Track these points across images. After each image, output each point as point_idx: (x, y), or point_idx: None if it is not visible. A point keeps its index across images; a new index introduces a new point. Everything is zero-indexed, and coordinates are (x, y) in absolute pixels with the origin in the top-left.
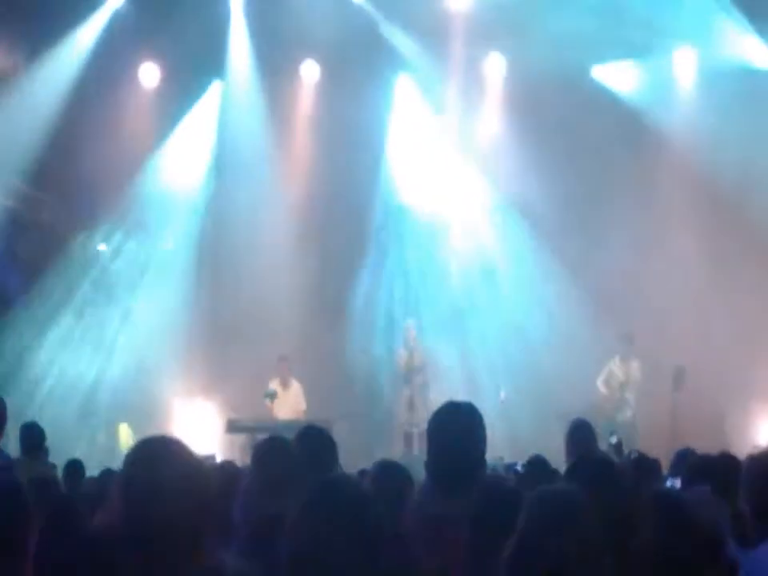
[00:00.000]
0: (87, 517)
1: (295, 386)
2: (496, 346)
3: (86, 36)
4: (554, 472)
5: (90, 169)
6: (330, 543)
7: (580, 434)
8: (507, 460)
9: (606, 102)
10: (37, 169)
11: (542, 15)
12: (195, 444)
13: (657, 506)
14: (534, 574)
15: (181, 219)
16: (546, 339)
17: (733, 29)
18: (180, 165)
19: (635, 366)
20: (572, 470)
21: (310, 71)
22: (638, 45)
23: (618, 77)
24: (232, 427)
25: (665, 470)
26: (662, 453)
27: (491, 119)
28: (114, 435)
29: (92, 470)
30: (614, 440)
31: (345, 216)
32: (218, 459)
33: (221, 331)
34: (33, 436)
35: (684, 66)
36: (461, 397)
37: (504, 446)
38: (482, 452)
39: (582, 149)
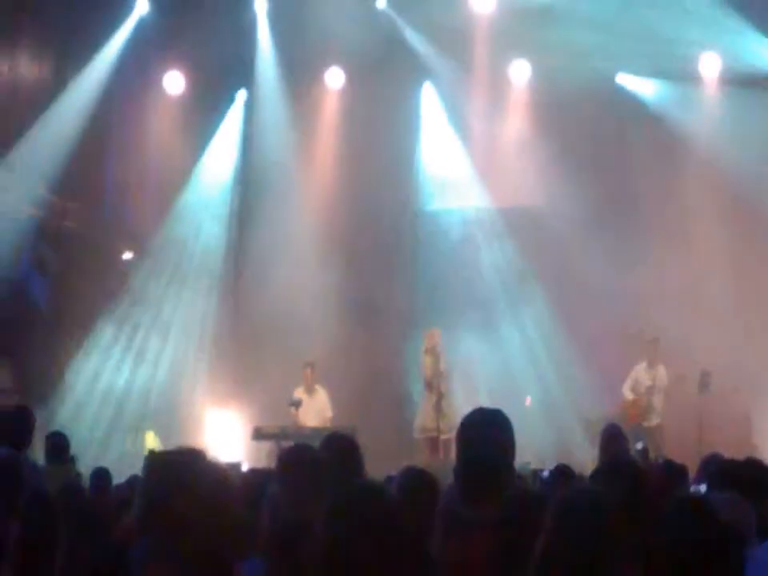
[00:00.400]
0: (113, 524)
1: (321, 393)
2: (521, 352)
3: (112, 45)
4: (580, 479)
5: (116, 177)
6: (356, 550)
7: (612, 438)
8: (533, 466)
9: (630, 108)
10: (63, 177)
11: (566, 22)
12: (221, 451)
13: (682, 509)
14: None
15: (208, 227)
16: (571, 345)
17: (756, 36)
18: (207, 172)
19: (661, 371)
20: (597, 473)
21: (334, 78)
22: (663, 51)
23: (643, 82)
24: (258, 434)
25: (692, 476)
26: (689, 458)
27: (516, 125)
28: (140, 442)
29: (119, 478)
30: (640, 446)
31: (371, 222)
32: (245, 467)
33: (248, 338)
34: (58, 445)
35: (708, 72)
36: (485, 403)
37: (530, 451)
38: (511, 459)
39: (606, 154)
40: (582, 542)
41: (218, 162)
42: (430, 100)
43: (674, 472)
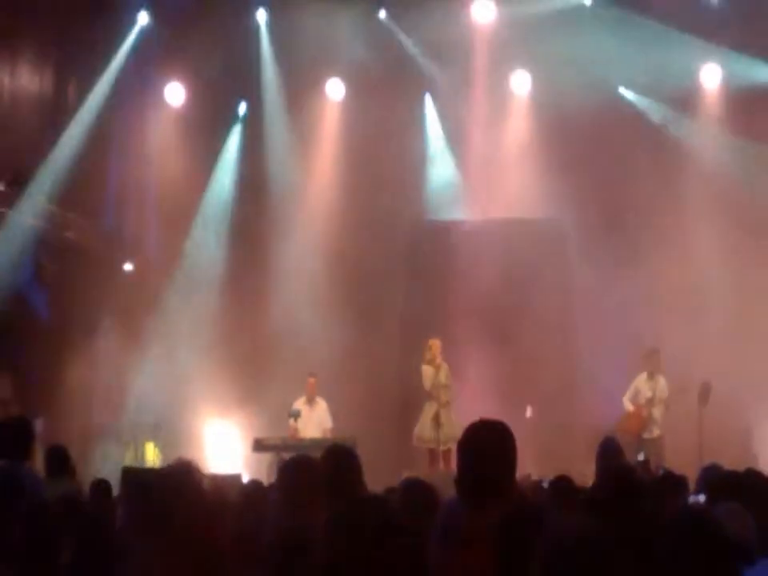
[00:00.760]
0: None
1: (321, 404)
2: (522, 362)
3: (113, 56)
4: (579, 490)
5: (117, 188)
6: (357, 562)
7: (608, 453)
8: (534, 477)
9: (631, 119)
10: (64, 188)
11: (567, 32)
12: (222, 463)
13: (683, 521)
14: None
15: (209, 239)
16: (571, 356)
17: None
18: (207, 184)
19: (662, 382)
20: (597, 486)
21: (335, 90)
22: (663, 63)
23: (643, 93)
24: (258, 446)
25: (692, 487)
26: (690, 469)
27: (517, 136)
28: (141, 453)
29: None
30: (641, 457)
31: (373, 233)
32: (245, 478)
33: (249, 349)
34: (58, 456)
35: (709, 84)
36: (486, 413)
37: (531, 462)
38: (512, 470)
39: (607, 165)
40: None
41: (219, 174)
42: (430, 110)
43: (674, 483)
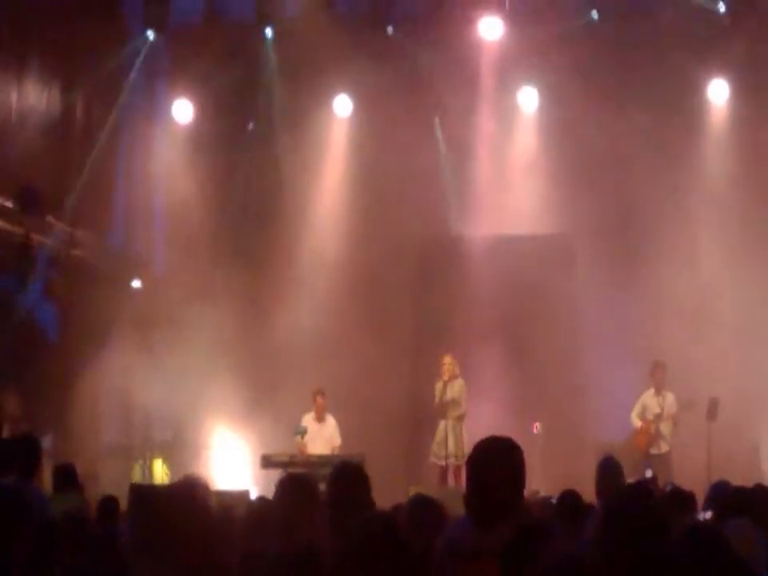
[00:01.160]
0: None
1: (330, 421)
2: (531, 377)
3: (119, 72)
4: (587, 507)
5: (125, 205)
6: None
7: (607, 471)
8: (542, 493)
9: (639, 132)
10: (71, 204)
11: (574, 47)
12: (230, 479)
13: (693, 540)
14: None
15: (219, 255)
16: (579, 370)
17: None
18: (215, 201)
19: (670, 398)
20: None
21: (342, 105)
22: (670, 76)
23: (651, 107)
24: (267, 463)
25: (700, 503)
26: (698, 485)
27: (525, 150)
28: (149, 470)
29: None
30: (649, 474)
31: (381, 249)
32: (253, 494)
33: (259, 366)
34: (66, 473)
35: (716, 97)
36: (494, 429)
37: (539, 479)
38: (521, 487)
39: (615, 178)
40: None
41: (226, 191)
42: (440, 125)
43: (682, 499)
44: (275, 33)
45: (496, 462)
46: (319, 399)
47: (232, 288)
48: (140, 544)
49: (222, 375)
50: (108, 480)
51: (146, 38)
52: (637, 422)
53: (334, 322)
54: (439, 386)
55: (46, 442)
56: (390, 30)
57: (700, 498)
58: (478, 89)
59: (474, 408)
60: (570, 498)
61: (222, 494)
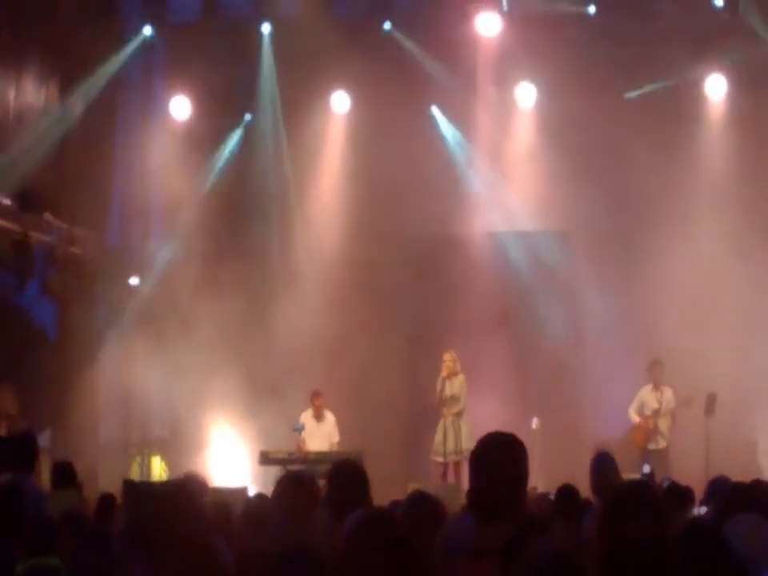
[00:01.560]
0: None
1: (329, 418)
2: (528, 375)
3: (117, 71)
4: (585, 502)
5: (122, 203)
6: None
7: (601, 467)
8: (540, 489)
9: (637, 127)
10: (69, 202)
11: (571, 42)
12: (229, 476)
13: (691, 536)
14: None
15: (214, 254)
16: (578, 367)
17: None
18: (209, 198)
19: (668, 393)
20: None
21: (340, 101)
22: (671, 65)
23: (649, 101)
24: (265, 459)
25: (698, 499)
26: (696, 481)
27: (523, 147)
28: (147, 467)
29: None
30: (646, 469)
31: (380, 247)
32: (251, 491)
33: (258, 363)
34: (64, 471)
35: (714, 90)
36: (493, 425)
37: (537, 475)
38: (525, 484)
39: (614, 173)
40: None
41: (224, 188)
42: (437, 122)
43: (680, 494)
44: (273, 29)
45: (500, 458)
46: (316, 401)
47: (230, 285)
48: (132, 539)
49: (221, 372)
50: (106, 477)
51: (144, 34)
52: (635, 418)
53: (332, 318)
54: (438, 383)
55: (44, 440)
56: (387, 25)
57: (698, 494)
58: (476, 84)
59: (473, 404)
60: (567, 494)
61: (219, 491)
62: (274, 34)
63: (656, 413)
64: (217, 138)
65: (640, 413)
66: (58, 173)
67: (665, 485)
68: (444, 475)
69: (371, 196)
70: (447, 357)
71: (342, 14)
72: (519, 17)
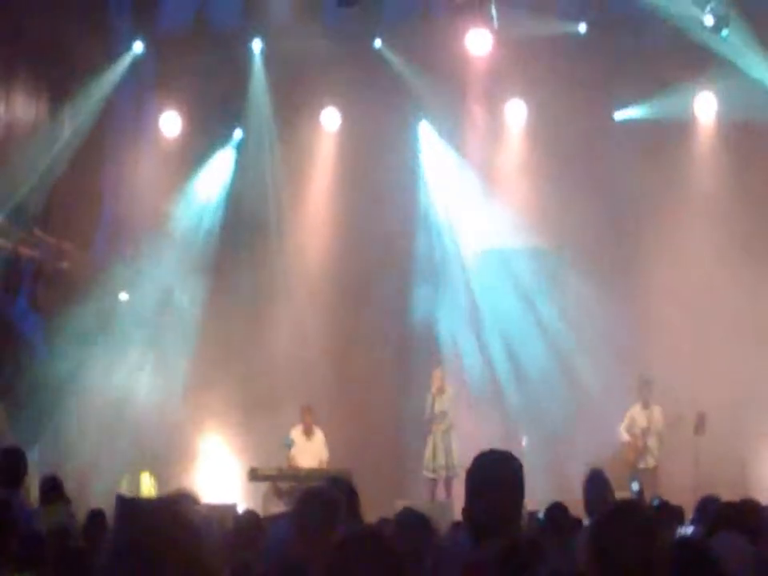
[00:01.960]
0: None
1: (318, 435)
2: (518, 392)
3: (107, 86)
4: (574, 520)
5: (110, 218)
6: None
7: (595, 485)
8: (529, 508)
9: (627, 144)
10: (58, 217)
11: (562, 60)
12: (217, 492)
13: (680, 553)
14: None
15: (203, 269)
16: (567, 385)
17: (754, 61)
18: (199, 213)
19: (657, 412)
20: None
21: (330, 118)
22: (660, 83)
23: (641, 112)
24: (254, 475)
25: (688, 517)
26: (685, 499)
27: (513, 163)
28: (136, 483)
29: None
30: (635, 487)
31: (368, 262)
32: (240, 508)
33: (245, 379)
34: (52, 486)
35: (704, 108)
36: (482, 443)
37: (526, 493)
38: (520, 500)
39: (604, 189)
40: None
41: (212, 204)
42: (427, 139)
43: (670, 513)
44: (264, 45)
45: (496, 475)
46: (306, 416)
47: (219, 301)
48: (123, 556)
49: (211, 389)
50: (95, 492)
51: (134, 49)
52: (624, 436)
53: (321, 334)
54: (428, 399)
55: (33, 454)
56: (377, 43)
57: (687, 512)
58: (466, 101)
59: (463, 420)
60: (557, 512)
61: (209, 508)
62: (265, 50)
63: (645, 431)
64: (207, 154)
65: (630, 431)
66: (47, 188)
67: (655, 503)
68: (432, 492)
69: (361, 211)
70: (436, 373)
71: (332, 31)
72: (510, 35)
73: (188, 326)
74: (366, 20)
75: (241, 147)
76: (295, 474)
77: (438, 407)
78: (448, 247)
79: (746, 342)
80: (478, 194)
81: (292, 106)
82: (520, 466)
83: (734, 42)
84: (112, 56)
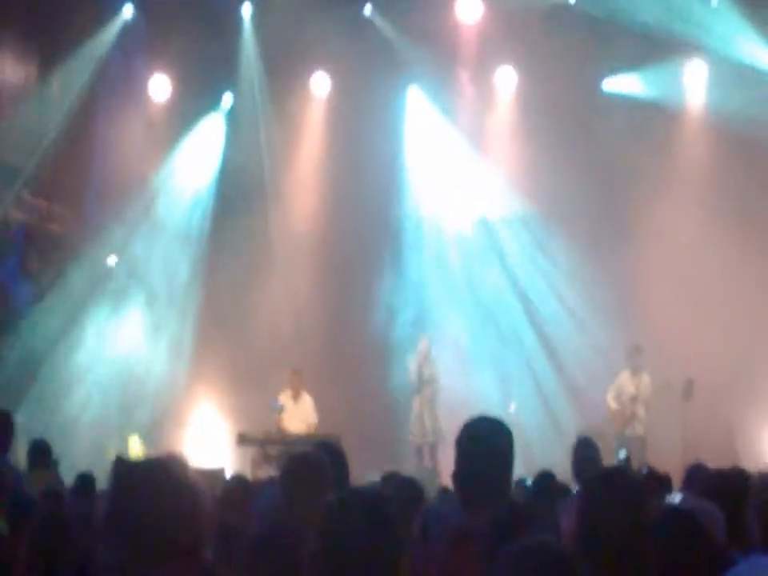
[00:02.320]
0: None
1: (307, 399)
2: (506, 359)
3: (97, 49)
4: (562, 488)
5: (100, 182)
6: (354, 551)
7: (584, 452)
8: (517, 473)
9: (616, 113)
10: (48, 181)
11: (552, 29)
12: (205, 457)
13: (666, 520)
14: None
15: (192, 232)
16: (555, 352)
17: (744, 35)
18: (189, 178)
19: (645, 379)
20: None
21: (320, 83)
22: (649, 54)
23: (630, 82)
24: (242, 440)
25: (675, 485)
26: (673, 466)
27: (502, 130)
28: (125, 446)
29: (104, 483)
30: (622, 455)
31: (358, 228)
32: (228, 473)
33: (235, 344)
34: (40, 449)
35: (695, 74)
36: (470, 409)
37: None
38: (510, 467)
39: (593, 158)
40: None
41: (201, 168)
42: (416, 104)
43: (657, 481)
44: (254, 9)
45: (486, 443)
46: (294, 379)
47: (209, 268)
48: (118, 520)
49: (201, 354)
50: (82, 455)
51: (124, 12)
52: (612, 404)
53: (311, 301)
54: (414, 365)
55: (20, 418)
56: (368, 9)
57: (675, 479)
58: (456, 68)
59: (449, 386)
60: (545, 480)
61: (197, 472)
62: (255, 15)
63: (633, 399)
64: (196, 117)
65: (617, 398)
66: (37, 151)
67: (643, 471)
68: (418, 456)
69: (351, 177)
70: (425, 337)
71: None
72: (499, 2)
73: (179, 291)
74: None
75: (231, 112)
76: (283, 439)
77: (426, 372)
78: (436, 212)
79: (735, 308)
80: (466, 160)
81: (282, 71)
82: (510, 435)
83: (723, 13)
84: (102, 20)
